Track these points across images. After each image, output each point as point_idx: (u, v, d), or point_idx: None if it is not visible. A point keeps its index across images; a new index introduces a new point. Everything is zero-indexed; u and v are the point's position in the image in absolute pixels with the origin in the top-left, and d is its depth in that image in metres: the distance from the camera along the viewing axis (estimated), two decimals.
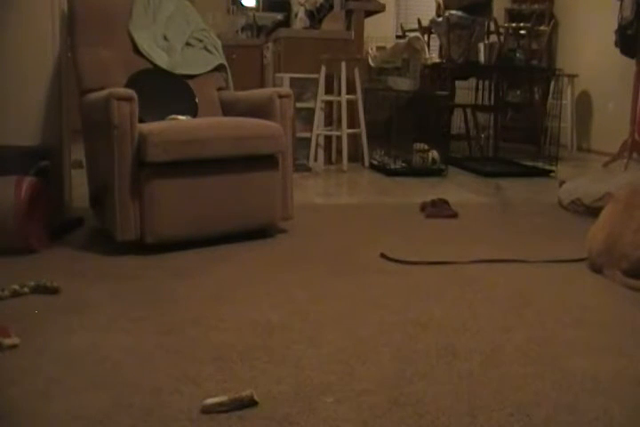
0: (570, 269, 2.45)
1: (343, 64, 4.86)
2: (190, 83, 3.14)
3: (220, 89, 3.27)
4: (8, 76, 2.92)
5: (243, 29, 7.41)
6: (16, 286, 2.03)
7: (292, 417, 1.33)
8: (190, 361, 1.59)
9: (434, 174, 4.79)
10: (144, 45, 3.08)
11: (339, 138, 5.12)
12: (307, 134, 5.04)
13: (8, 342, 1.64)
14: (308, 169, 4.94)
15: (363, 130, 5.10)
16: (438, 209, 3.40)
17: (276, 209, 2.81)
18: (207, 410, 1.34)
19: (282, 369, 1.55)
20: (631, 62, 5.40)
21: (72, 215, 3.05)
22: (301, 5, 6.14)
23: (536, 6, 7.31)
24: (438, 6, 6.16)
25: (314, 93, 5.09)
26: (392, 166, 4.87)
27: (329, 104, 5.23)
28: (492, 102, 6.01)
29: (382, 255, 2.56)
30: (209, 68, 3.24)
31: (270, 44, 5.96)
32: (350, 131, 4.96)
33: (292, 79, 5.05)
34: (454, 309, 1.99)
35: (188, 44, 3.24)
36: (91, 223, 2.99)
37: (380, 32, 6.42)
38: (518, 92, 6.52)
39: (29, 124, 2.96)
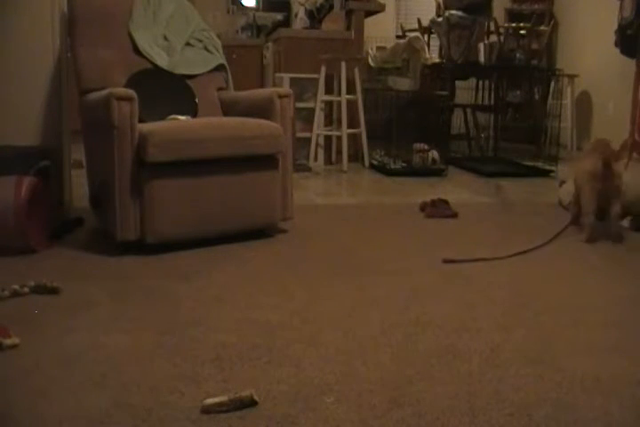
0: (570, 269, 2.45)
1: (343, 64, 4.86)
2: (190, 83, 3.14)
3: (220, 89, 3.27)
4: (8, 76, 2.92)
5: (243, 29, 7.41)
6: (16, 286, 2.03)
7: (291, 417, 1.33)
8: (190, 361, 1.59)
9: (434, 174, 4.79)
10: (144, 45, 3.08)
11: (339, 138, 5.12)
12: (307, 134, 5.04)
13: (8, 342, 1.64)
14: (308, 169, 4.94)
15: (363, 130, 5.10)
16: (438, 209, 3.40)
17: (275, 209, 2.81)
18: (207, 410, 1.34)
19: (282, 369, 1.55)
20: (631, 62, 5.40)
21: (72, 215, 3.05)
22: (301, 5, 6.14)
23: (536, 6, 7.31)
24: (438, 6, 6.16)
25: (314, 93, 5.09)
26: (392, 166, 4.87)
27: (329, 104, 5.23)
28: (492, 102, 6.01)
29: (446, 261, 2.50)
30: (209, 68, 3.24)
31: (270, 44, 5.96)
32: (350, 131, 4.96)
33: (292, 79, 5.05)
34: (454, 309, 1.99)
35: (188, 43, 3.24)
36: (91, 223, 2.99)
37: (380, 32, 6.42)
38: (518, 92, 6.51)
39: (29, 124, 2.96)
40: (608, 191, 2.75)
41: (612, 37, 5.43)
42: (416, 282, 2.25)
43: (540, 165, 5.09)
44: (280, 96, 2.85)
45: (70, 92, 3.06)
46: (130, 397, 1.40)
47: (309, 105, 5.13)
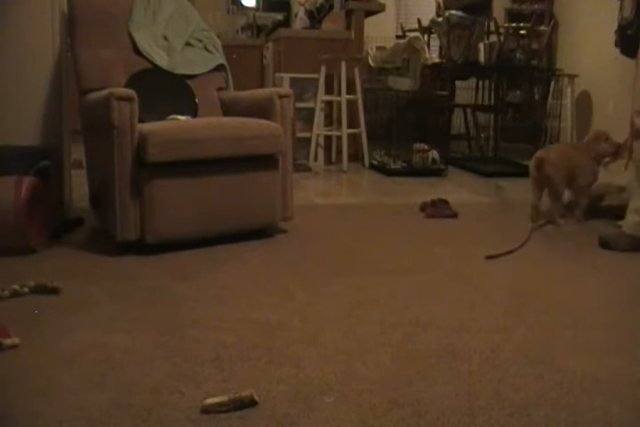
0: (570, 269, 2.45)
1: (343, 64, 4.85)
2: (190, 83, 3.14)
3: (219, 89, 3.27)
4: (8, 76, 2.92)
5: (243, 29, 7.41)
6: (16, 286, 2.03)
7: (291, 417, 1.33)
8: (190, 361, 1.59)
9: (434, 174, 4.79)
10: (144, 45, 3.08)
11: (339, 138, 5.12)
12: (307, 134, 5.03)
13: (8, 342, 1.64)
14: (308, 169, 4.94)
15: (363, 130, 5.10)
16: (438, 209, 3.40)
17: (275, 209, 2.81)
18: (207, 410, 1.34)
19: (282, 369, 1.55)
20: (631, 62, 5.40)
21: (72, 215, 3.05)
22: (301, 5, 6.14)
23: (536, 6, 7.30)
24: (438, 6, 6.15)
25: (314, 93, 5.09)
26: (392, 166, 4.87)
27: (329, 104, 5.22)
28: (492, 102, 6.00)
29: (488, 257, 2.56)
30: (209, 68, 3.24)
31: (270, 44, 5.96)
32: (350, 131, 4.96)
33: (291, 79, 5.04)
34: (454, 309, 1.99)
35: (188, 43, 3.24)
36: (91, 223, 2.99)
37: (380, 32, 6.41)
38: (518, 92, 6.51)
39: (29, 124, 2.96)
40: (542, 181, 3.20)
41: (612, 37, 5.42)
42: (416, 282, 2.25)
43: None
44: (280, 96, 2.85)
45: (70, 92, 3.06)
46: (130, 397, 1.40)
47: (309, 105, 5.13)
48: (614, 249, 2.68)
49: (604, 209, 3.32)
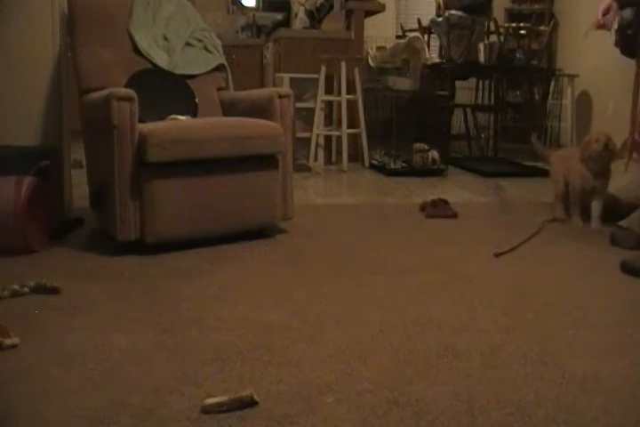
0: (570, 269, 2.45)
1: (343, 64, 4.86)
2: (190, 83, 3.14)
3: (219, 89, 3.27)
4: (8, 76, 2.92)
5: (243, 29, 7.42)
6: (16, 286, 2.03)
7: (291, 417, 1.33)
8: (190, 361, 1.59)
9: (434, 174, 4.79)
10: (144, 45, 3.08)
11: (339, 138, 5.12)
12: (307, 134, 5.03)
13: (8, 342, 1.64)
14: (308, 169, 4.94)
15: (363, 130, 5.10)
16: (438, 209, 3.40)
17: (275, 209, 2.81)
18: (207, 410, 1.34)
19: (282, 369, 1.55)
20: (631, 62, 5.39)
21: (72, 215, 3.05)
22: (301, 5, 6.14)
23: (536, 6, 7.31)
24: (438, 6, 6.15)
25: (314, 93, 5.09)
26: (392, 166, 4.87)
27: (329, 104, 5.22)
28: (492, 102, 6.00)
29: (497, 254, 2.60)
30: (209, 68, 3.24)
31: (270, 44, 5.96)
32: (350, 131, 4.96)
33: (292, 79, 5.04)
34: (454, 309, 1.99)
35: (188, 43, 3.24)
36: (91, 223, 2.99)
37: (380, 32, 6.41)
38: (518, 92, 6.51)
39: (29, 124, 2.96)
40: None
41: (612, 37, 5.41)
42: (416, 282, 2.24)
43: (540, 164, 5.08)
44: (280, 96, 2.85)
45: (70, 92, 3.06)
46: (130, 397, 1.40)
47: (309, 105, 5.13)
48: (621, 246, 2.72)
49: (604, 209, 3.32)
